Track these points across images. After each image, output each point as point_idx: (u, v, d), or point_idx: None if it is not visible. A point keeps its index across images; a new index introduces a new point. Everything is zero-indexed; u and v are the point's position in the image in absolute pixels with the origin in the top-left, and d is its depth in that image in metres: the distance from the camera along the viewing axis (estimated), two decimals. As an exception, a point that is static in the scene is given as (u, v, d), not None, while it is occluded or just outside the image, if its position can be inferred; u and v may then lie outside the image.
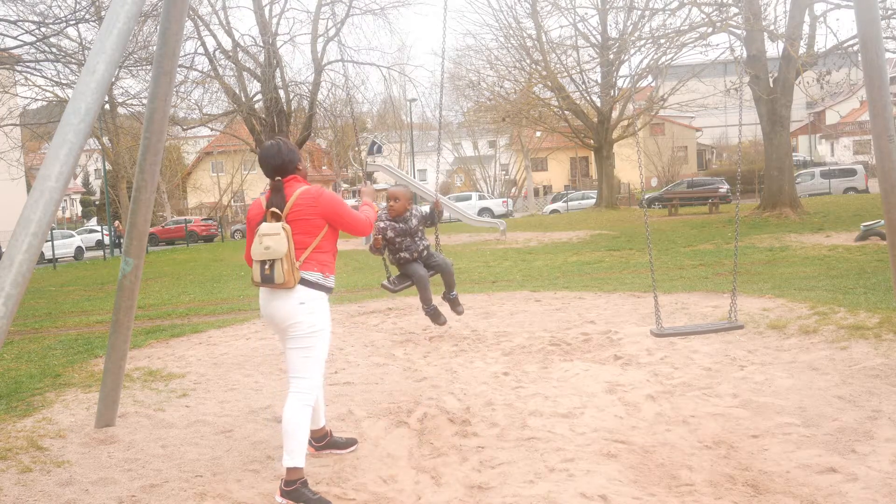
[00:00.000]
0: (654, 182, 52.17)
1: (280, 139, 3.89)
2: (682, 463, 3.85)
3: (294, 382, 3.71)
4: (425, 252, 6.06)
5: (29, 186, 31.63)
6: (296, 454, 3.60)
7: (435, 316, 6.35)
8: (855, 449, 3.88)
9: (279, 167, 3.77)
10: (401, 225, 5.94)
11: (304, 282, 3.67)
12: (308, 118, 29.95)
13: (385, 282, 6.27)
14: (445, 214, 33.10)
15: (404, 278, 6.23)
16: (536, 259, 15.92)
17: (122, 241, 31.62)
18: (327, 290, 3.79)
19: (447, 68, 37.86)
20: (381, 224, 5.92)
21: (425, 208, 6.17)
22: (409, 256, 5.97)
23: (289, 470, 3.61)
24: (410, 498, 3.68)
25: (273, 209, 3.70)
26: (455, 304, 6.48)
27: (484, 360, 6.15)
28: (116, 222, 34.08)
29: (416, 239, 5.99)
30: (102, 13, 15.84)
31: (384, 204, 6.15)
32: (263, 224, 3.68)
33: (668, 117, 53.73)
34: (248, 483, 3.88)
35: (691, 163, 60.49)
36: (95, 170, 62.31)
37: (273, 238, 3.59)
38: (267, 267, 3.60)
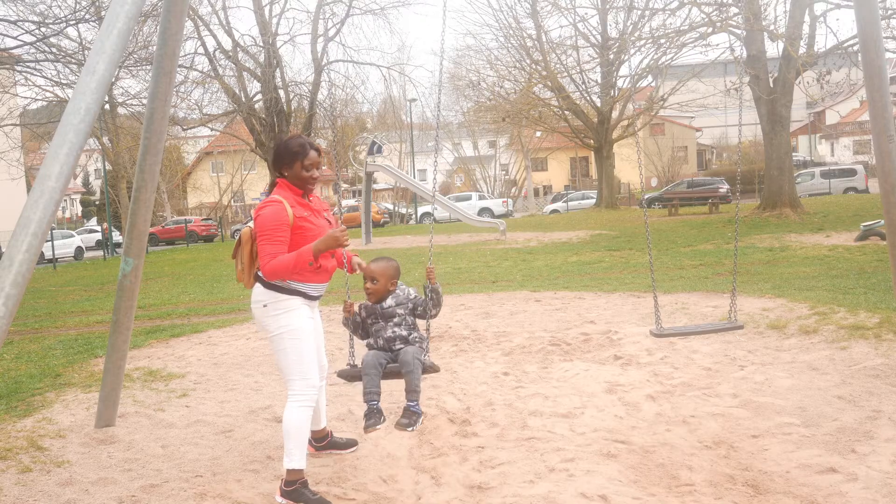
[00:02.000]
0: (654, 182, 52.17)
1: (291, 138, 3.81)
2: (682, 463, 3.85)
3: (287, 386, 3.72)
4: (396, 344, 4.09)
5: (29, 186, 31.63)
6: (295, 455, 3.60)
7: (369, 415, 3.93)
8: (855, 449, 3.88)
9: (271, 164, 3.81)
10: (372, 305, 4.16)
11: (267, 284, 3.66)
12: (308, 118, 29.97)
13: (345, 366, 4.40)
14: (444, 214, 32.98)
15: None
16: (536, 259, 15.92)
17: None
18: (292, 292, 3.65)
19: (447, 68, 37.92)
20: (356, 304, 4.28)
21: (412, 291, 4.24)
22: (374, 343, 4.15)
23: (289, 471, 3.61)
24: (410, 498, 3.68)
25: (247, 226, 3.84)
26: (404, 416, 3.95)
27: (484, 360, 6.15)
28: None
29: (389, 324, 4.11)
30: (102, 13, 15.82)
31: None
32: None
33: (668, 117, 53.72)
34: (248, 483, 3.88)
35: (691, 163, 60.48)
36: (95, 170, 62.28)
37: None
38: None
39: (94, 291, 16.01)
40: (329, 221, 3.84)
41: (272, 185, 3.78)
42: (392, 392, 4.79)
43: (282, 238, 3.53)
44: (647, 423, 4.45)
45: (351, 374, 4.17)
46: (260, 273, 3.67)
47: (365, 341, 4.23)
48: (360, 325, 4.23)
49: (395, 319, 4.12)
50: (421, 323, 4.23)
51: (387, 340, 4.09)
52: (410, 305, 4.17)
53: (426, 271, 4.18)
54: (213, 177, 55.35)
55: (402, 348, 4.04)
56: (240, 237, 3.84)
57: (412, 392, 3.96)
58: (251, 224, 3.75)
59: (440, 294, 4.19)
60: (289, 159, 3.67)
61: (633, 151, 38.05)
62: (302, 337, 3.65)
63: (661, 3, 23.54)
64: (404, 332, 4.11)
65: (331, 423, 4.62)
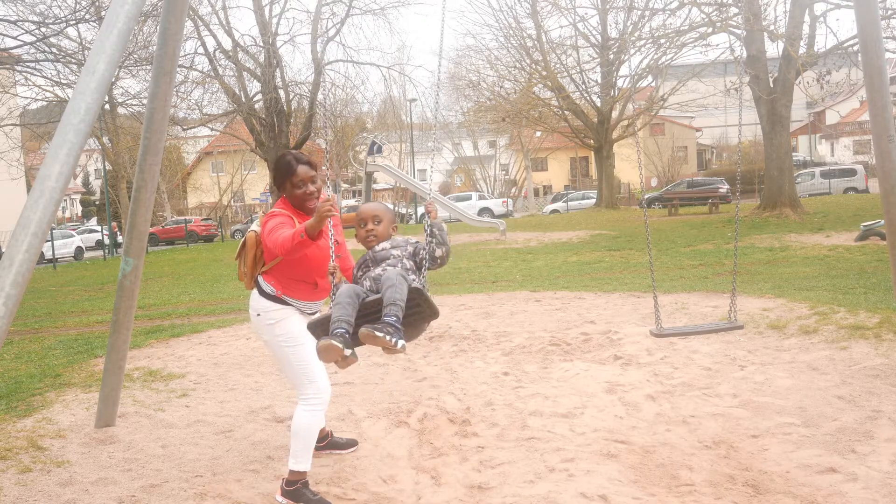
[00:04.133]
0: (654, 182, 52.17)
1: (283, 155, 3.70)
2: (682, 463, 3.85)
3: (298, 392, 3.72)
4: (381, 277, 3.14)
5: (29, 186, 31.63)
6: (300, 457, 3.59)
7: (333, 337, 2.94)
8: (855, 449, 3.88)
9: (274, 182, 3.79)
10: (370, 253, 3.37)
11: (259, 289, 3.69)
12: (308, 118, 29.95)
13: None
14: (444, 214, 32.94)
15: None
16: (536, 259, 15.92)
17: (115, 240, 31.68)
18: (285, 303, 3.66)
19: (447, 68, 37.89)
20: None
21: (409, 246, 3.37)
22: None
23: (292, 471, 3.61)
24: (410, 498, 3.68)
25: (254, 229, 3.75)
26: (379, 329, 2.92)
27: (484, 360, 6.15)
28: (113, 223, 34.09)
29: (379, 267, 3.24)
30: (102, 13, 15.84)
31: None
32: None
33: (668, 117, 53.71)
34: (248, 483, 3.88)
35: (691, 163, 60.48)
36: (95, 170, 62.29)
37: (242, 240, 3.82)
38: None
39: (94, 291, 16.01)
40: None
41: (272, 190, 3.78)
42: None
43: (289, 227, 3.46)
44: (647, 423, 4.45)
45: (318, 322, 3.14)
46: (260, 279, 3.69)
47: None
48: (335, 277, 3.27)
49: (390, 261, 3.26)
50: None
51: (373, 280, 3.17)
52: (410, 249, 3.34)
53: (425, 206, 3.36)
54: (213, 177, 55.35)
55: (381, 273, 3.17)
56: (244, 241, 3.78)
57: (390, 306, 2.96)
58: (255, 227, 3.73)
59: (444, 230, 3.31)
60: (279, 180, 3.64)
61: (633, 151, 38.04)
62: (300, 342, 3.60)
63: (661, 3, 23.55)
64: (384, 272, 3.16)
65: (331, 423, 4.62)
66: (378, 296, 3.05)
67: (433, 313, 3.14)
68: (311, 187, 3.62)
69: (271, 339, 3.64)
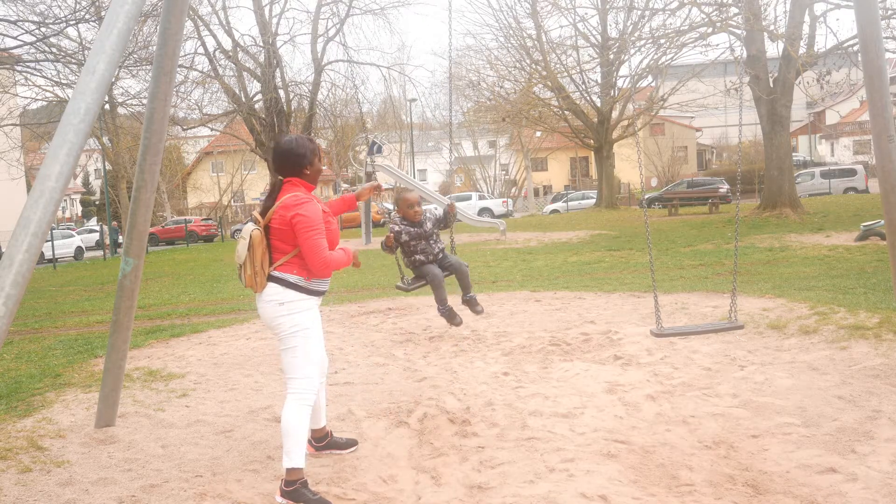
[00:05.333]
0: (654, 182, 52.16)
1: (298, 136, 3.80)
2: (682, 463, 3.85)
3: (288, 383, 3.72)
4: (441, 254, 6.20)
5: (29, 186, 31.64)
6: (294, 454, 3.60)
7: (450, 316, 6.38)
8: (855, 449, 3.88)
9: (280, 167, 3.75)
10: (415, 229, 6.07)
11: (283, 282, 3.65)
12: (308, 118, 29.96)
13: (399, 283, 6.44)
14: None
15: (419, 279, 6.37)
16: (536, 259, 15.92)
17: (116, 239, 31.65)
18: (311, 292, 3.71)
19: (447, 68, 37.88)
20: (396, 227, 6.09)
21: (439, 211, 6.29)
22: (425, 259, 6.12)
23: (288, 470, 3.61)
24: (410, 498, 3.68)
25: (255, 213, 3.75)
26: (473, 305, 6.52)
27: (484, 360, 6.15)
28: (115, 222, 34.10)
29: (431, 242, 6.14)
30: (102, 13, 15.84)
31: (388, 206, 6.38)
32: (246, 225, 3.76)
33: (668, 117, 53.73)
34: (248, 483, 3.88)
35: (691, 163, 60.49)
36: (95, 170, 62.30)
37: (241, 242, 3.70)
38: (238, 268, 3.73)
39: (94, 291, 16.01)
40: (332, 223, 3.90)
41: (272, 187, 3.78)
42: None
43: (324, 230, 3.64)
44: (647, 423, 4.45)
45: (409, 287, 6.32)
46: (280, 274, 3.64)
47: (410, 258, 6.16)
48: (397, 247, 6.05)
49: (434, 238, 6.13)
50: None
51: (435, 255, 6.21)
52: (434, 220, 6.20)
53: (448, 207, 6.34)
54: (213, 177, 55.36)
55: (446, 257, 6.33)
56: (250, 241, 3.64)
57: (469, 287, 6.42)
58: (252, 226, 3.70)
59: (456, 216, 6.47)
60: (310, 156, 3.73)
61: (633, 151, 38.05)
62: (312, 337, 3.70)
63: (661, 3, 23.56)
64: (442, 245, 6.30)
65: (331, 423, 4.62)
66: (448, 273, 6.28)
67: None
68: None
69: (289, 328, 3.64)
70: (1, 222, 23.08)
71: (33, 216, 3.09)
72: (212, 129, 39.24)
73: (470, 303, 6.47)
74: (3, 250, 3.20)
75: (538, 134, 48.63)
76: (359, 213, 26.09)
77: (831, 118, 55.96)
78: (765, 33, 20.40)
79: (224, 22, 28.70)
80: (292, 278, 3.66)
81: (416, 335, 7.28)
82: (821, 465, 3.71)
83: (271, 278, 3.68)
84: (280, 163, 3.74)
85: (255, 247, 3.64)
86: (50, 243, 27.47)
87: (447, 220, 6.37)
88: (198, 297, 12.78)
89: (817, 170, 40.74)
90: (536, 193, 55.80)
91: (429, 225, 6.13)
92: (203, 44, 28.20)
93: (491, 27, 39.13)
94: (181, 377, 6.10)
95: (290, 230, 3.62)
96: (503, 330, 7.27)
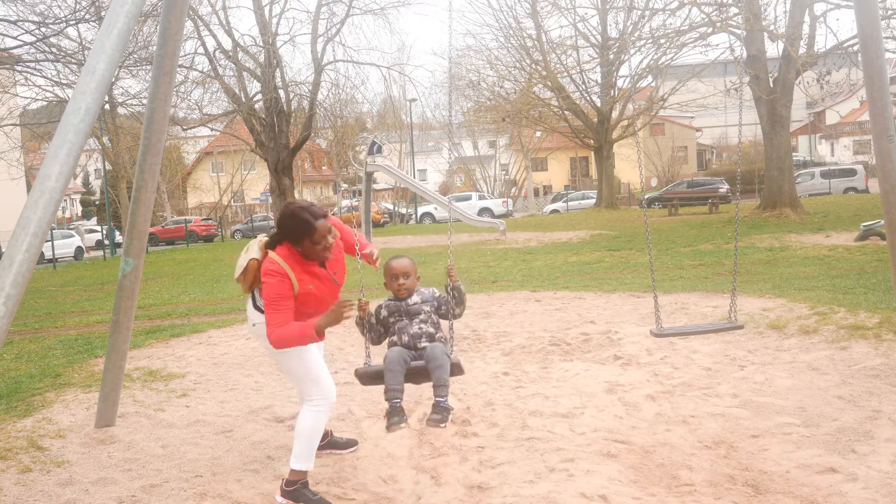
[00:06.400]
0: (654, 182, 52.14)
1: (311, 209, 3.49)
2: (682, 463, 3.85)
3: (305, 395, 3.77)
4: (421, 339, 3.99)
5: (29, 186, 31.63)
6: (302, 458, 3.60)
7: (392, 413, 3.84)
8: (855, 449, 3.88)
9: (279, 226, 3.55)
10: (396, 302, 4.13)
11: (256, 305, 3.76)
12: (308, 118, 29.93)
13: (360, 366, 4.26)
14: (444, 214, 32.98)
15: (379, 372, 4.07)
16: (536, 259, 15.92)
17: (112, 239, 31.65)
18: None
19: (447, 68, 37.89)
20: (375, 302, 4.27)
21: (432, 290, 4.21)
22: (397, 340, 4.04)
23: (293, 471, 3.61)
24: (410, 498, 3.68)
25: (264, 239, 3.74)
26: (435, 411, 3.85)
27: (484, 360, 6.15)
28: (113, 222, 34.07)
29: (414, 321, 4.04)
30: (102, 13, 15.83)
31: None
32: (255, 242, 3.78)
33: (668, 117, 53.71)
34: (248, 483, 3.88)
35: (691, 163, 60.48)
36: (95, 170, 62.27)
37: (243, 256, 3.75)
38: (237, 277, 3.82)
39: (94, 291, 16.01)
40: (335, 282, 3.71)
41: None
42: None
43: (286, 307, 3.45)
44: (647, 423, 4.45)
45: (368, 374, 4.06)
46: (256, 293, 3.77)
47: (386, 340, 4.14)
48: (373, 326, 4.10)
49: (421, 316, 4.03)
50: (444, 327, 4.13)
51: (412, 337, 3.99)
52: (436, 304, 4.10)
53: (447, 270, 4.07)
54: (213, 177, 55.33)
55: (426, 346, 3.94)
56: (247, 266, 3.68)
57: (441, 387, 3.83)
58: (256, 252, 3.67)
59: (463, 293, 4.07)
60: (295, 236, 3.47)
61: (633, 151, 38.01)
62: (302, 355, 3.66)
63: (661, 3, 23.57)
64: (431, 329, 4.02)
65: (331, 422, 4.61)
66: (421, 363, 3.89)
67: (461, 373, 4.06)
68: (330, 238, 3.52)
69: (269, 346, 3.62)
70: (1, 222, 23.07)
71: (33, 216, 3.09)
72: (212, 129, 39.18)
73: (433, 408, 3.88)
74: (3, 250, 3.20)
75: (538, 134, 48.62)
76: (359, 213, 26.04)
77: (831, 118, 55.95)
78: (765, 33, 20.39)
79: (224, 22, 28.67)
80: (261, 302, 3.66)
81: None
82: (821, 465, 3.71)
83: (253, 297, 3.81)
84: (279, 223, 3.55)
85: (247, 273, 3.74)
86: (50, 243, 27.45)
87: (453, 297, 4.10)
88: (198, 297, 12.78)
89: (817, 170, 40.75)
90: (536, 193, 55.78)
91: (416, 299, 4.09)
92: (203, 44, 28.17)
93: (491, 27, 39.02)
94: (181, 377, 6.10)
95: None
96: (503, 330, 7.27)
